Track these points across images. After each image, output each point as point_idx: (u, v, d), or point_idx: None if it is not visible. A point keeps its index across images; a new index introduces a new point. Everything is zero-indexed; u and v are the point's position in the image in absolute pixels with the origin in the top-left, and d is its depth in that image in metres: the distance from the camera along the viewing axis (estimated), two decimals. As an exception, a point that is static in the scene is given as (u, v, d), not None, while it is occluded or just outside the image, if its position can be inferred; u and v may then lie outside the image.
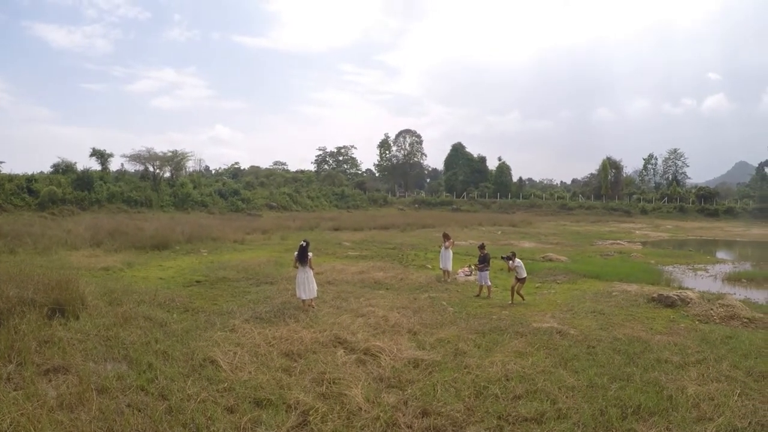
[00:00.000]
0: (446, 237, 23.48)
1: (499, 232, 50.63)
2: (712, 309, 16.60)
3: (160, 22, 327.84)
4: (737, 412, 8.65)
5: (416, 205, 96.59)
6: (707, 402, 9.06)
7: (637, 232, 59.07)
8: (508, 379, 10.03)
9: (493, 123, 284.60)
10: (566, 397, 9.21)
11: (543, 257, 30.79)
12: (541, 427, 8.06)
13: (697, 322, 15.48)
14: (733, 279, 26.01)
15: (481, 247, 20.38)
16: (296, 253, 16.15)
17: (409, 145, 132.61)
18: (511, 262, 18.44)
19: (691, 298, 17.78)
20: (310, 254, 16.07)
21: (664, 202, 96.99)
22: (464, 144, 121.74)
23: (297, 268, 16.02)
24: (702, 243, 49.68)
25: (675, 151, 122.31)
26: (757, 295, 21.17)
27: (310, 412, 8.24)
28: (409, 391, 9.39)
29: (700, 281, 25.37)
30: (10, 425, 6.74)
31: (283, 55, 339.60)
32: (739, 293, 21.09)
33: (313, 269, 16.24)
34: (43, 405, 7.65)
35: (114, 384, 8.89)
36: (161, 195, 63.50)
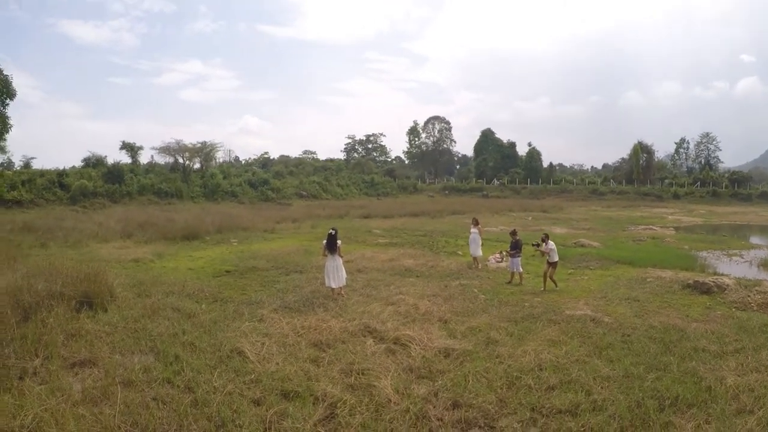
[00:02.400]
0: (475, 222, 23.26)
1: (530, 218, 50.13)
2: (749, 296, 16.22)
3: (185, 14, 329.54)
4: (780, 404, 8.30)
5: (446, 192, 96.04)
6: (747, 393, 8.75)
7: (669, 217, 57.98)
8: (541, 369, 9.83)
9: (521, 109, 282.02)
10: (601, 387, 8.97)
11: (575, 243, 30.39)
12: (575, 419, 7.85)
13: (734, 310, 15.08)
14: None
15: (513, 233, 20.11)
16: (325, 241, 16.04)
17: (438, 131, 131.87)
18: (544, 244, 18.19)
19: (727, 285, 17.33)
20: (339, 242, 15.94)
21: (697, 186, 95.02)
22: (493, 130, 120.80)
23: (326, 256, 15.91)
24: (736, 228, 48.53)
25: (707, 135, 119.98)
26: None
27: (338, 405, 8.10)
28: (440, 382, 9.21)
29: (735, 267, 24.72)
30: (33, 420, 6.63)
31: (309, 44, 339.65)
32: (776, 280, 20.37)
33: (342, 257, 16.12)
34: (67, 399, 7.58)
35: (140, 377, 8.85)
36: (191, 186, 63.72)
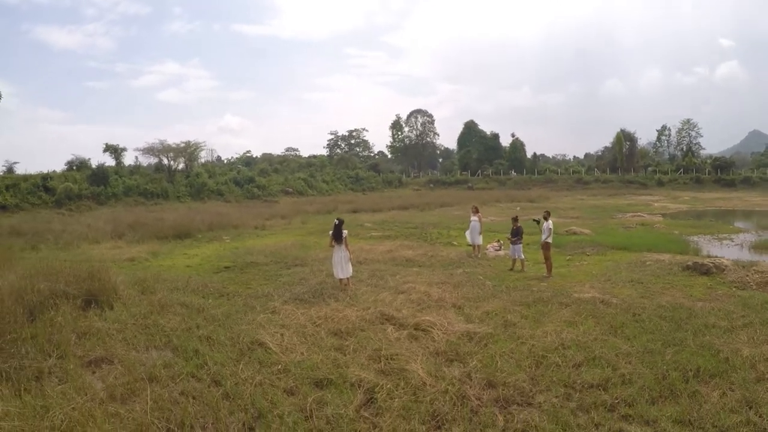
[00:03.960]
0: (475, 210, 23.36)
1: (518, 208, 50.19)
2: (747, 275, 16.52)
3: (160, 16, 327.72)
4: (795, 369, 8.60)
5: (431, 185, 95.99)
6: (763, 363, 9.15)
7: (655, 204, 58.53)
8: (565, 348, 10.06)
9: (503, 100, 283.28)
10: (625, 363, 9.26)
11: (567, 231, 30.49)
12: (608, 392, 8.12)
13: (734, 289, 15.44)
14: (760, 247, 25.89)
15: (515, 219, 20.26)
16: (331, 232, 15.98)
17: (421, 125, 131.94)
18: (546, 222, 18.41)
19: (725, 266, 17.71)
20: (345, 232, 15.85)
21: (680, 173, 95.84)
22: (476, 122, 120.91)
23: (333, 247, 15.85)
24: (722, 213, 49.30)
25: (688, 121, 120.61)
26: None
27: (376, 389, 8.14)
28: (472, 363, 9.31)
29: (727, 250, 25.24)
30: (63, 421, 6.42)
31: (286, 42, 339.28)
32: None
33: (349, 248, 16.05)
34: (93, 398, 7.37)
35: (162, 372, 8.71)
36: (177, 186, 63.34)
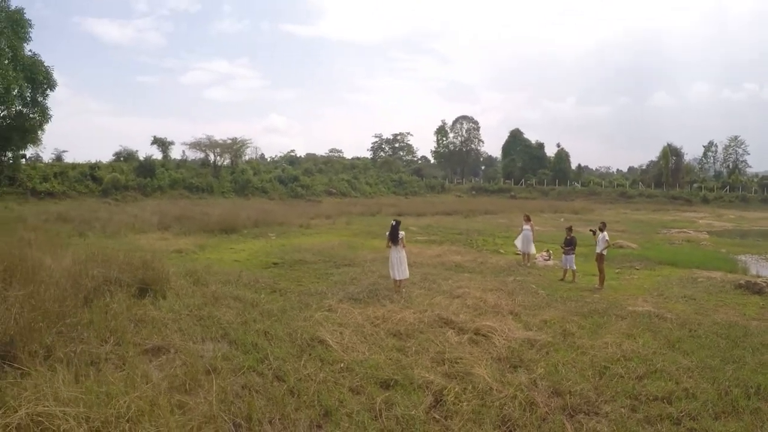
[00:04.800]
0: (527, 219, 23.19)
1: (562, 219, 49.65)
2: None
3: (209, 13, 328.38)
4: None
5: (473, 192, 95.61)
6: None
7: (700, 221, 57.49)
8: (626, 360, 10.04)
9: (548, 109, 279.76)
10: (687, 377, 9.26)
11: (614, 244, 29.97)
12: (672, 406, 8.16)
13: None
14: None
15: (569, 229, 20.15)
16: (388, 233, 15.96)
17: (466, 131, 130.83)
18: (602, 233, 18.31)
19: None
20: (401, 233, 15.80)
21: (726, 191, 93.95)
22: (521, 130, 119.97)
23: (389, 247, 15.79)
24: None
25: (736, 138, 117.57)
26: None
27: (444, 392, 8.14)
28: (536, 371, 9.32)
29: None
30: (128, 409, 6.32)
31: (333, 43, 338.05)
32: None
33: (405, 248, 15.98)
34: (155, 387, 7.22)
35: (222, 365, 8.64)
36: (222, 181, 63.99)
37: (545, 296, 15.78)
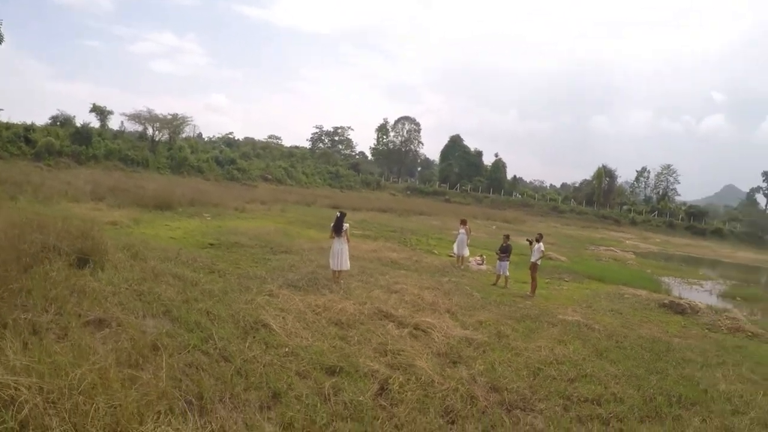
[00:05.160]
0: (464, 222, 23.71)
1: (494, 227, 50.63)
2: (719, 320, 17.44)
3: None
4: (765, 409, 9.59)
5: (408, 192, 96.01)
6: (738, 398, 10.00)
7: (627, 241, 59.89)
8: (559, 363, 10.60)
9: (488, 119, 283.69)
10: (614, 383, 9.90)
11: (546, 255, 30.83)
12: (601, 407, 8.77)
13: (706, 330, 16.47)
14: (727, 296, 27.17)
15: (506, 237, 20.69)
16: (332, 224, 16.07)
17: (407, 132, 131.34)
18: (538, 244, 18.99)
19: (700, 308, 18.66)
20: (346, 225, 15.95)
21: (654, 215, 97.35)
22: (461, 137, 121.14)
23: (333, 238, 15.90)
24: (692, 260, 50.87)
25: (668, 167, 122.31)
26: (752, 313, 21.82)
27: (389, 381, 8.38)
28: (475, 367, 9.69)
29: (696, 295, 25.97)
30: (80, 381, 6.24)
31: (284, 30, 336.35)
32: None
33: (349, 241, 16.17)
34: (103, 359, 7.05)
35: (167, 341, 8.45)
36: (158, 157, 62.50)
37: (480, 299, 16.19)
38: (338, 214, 16.13)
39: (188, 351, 8.33)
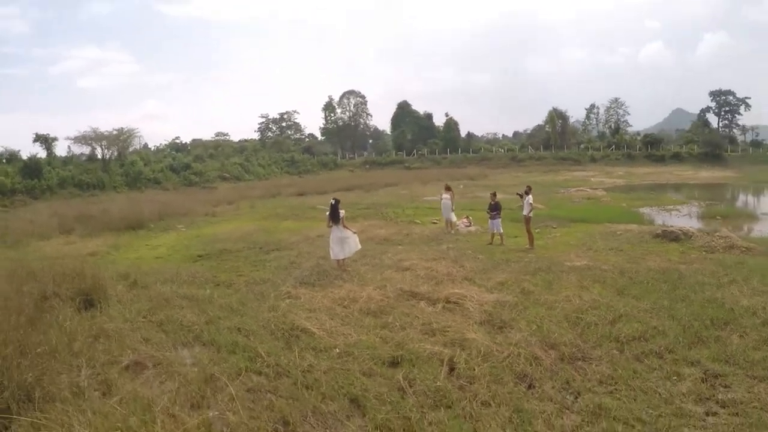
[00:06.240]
0: (447, 188, 23.87)
1: (461, 186, 50.50)
2: (713, 241, 17.92)
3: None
4: (789, 316, 10.12)
5: (367, 166, 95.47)
6: (762, 310, 10.46)
7: (592, 179, 60.61)
8: (593, 309, 10.84)
9: (430, 79, 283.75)
10: (650, 318, 10.25)
11: (519, 206, 30.87)
12: (649, 343, 9.09)
13: (704, 253, 16.89)
14: (707, 217, 28.14)
15: (493, 194, 20.72)
16: (327, 212, 16.01)
17: (354, 106, 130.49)
18: (528, 196, 19.28)
19: (692, 233, 19.06)
20: (342, 212, 15.79)
21: (612, 149, 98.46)
22: (409, 102, 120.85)
23: (330, 227, 15.76)
24: (659, 186, 52.04)
25: (616, 100, 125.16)
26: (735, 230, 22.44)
27: (454, 360, 8.37)
28: (523, 329, 9.84)
29: (678, 220, 26.86)
30: None
31: (207, 23, 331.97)
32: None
33: (346, 227, 15.92)
34: (169, 406, 6.65)
35: (215, 370, 8.10)
36: (112, 175, 61.06)
37: (486, 260, 16.29)
38: (332, 201, 15.98)
39: (243, 375, 8.03)
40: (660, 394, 7.35)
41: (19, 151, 61.52)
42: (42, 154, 63.13)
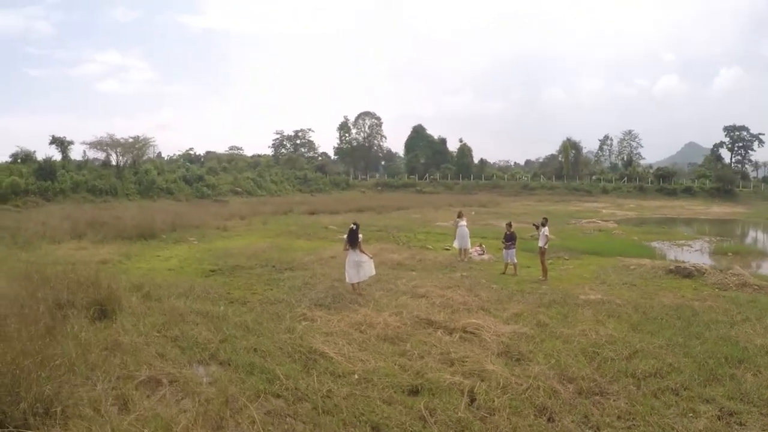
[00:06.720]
0: (461, 215, 23.81)
1: (473, 213, 50.41)
2: (726, 278, 17.86)
3: (101, 1, 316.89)
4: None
5: (379, 188, 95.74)
6: None
7: (603, 210, 60.51)
8: (609, 344, 10.87)
9: (444, 104, 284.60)
10: (665, 354, 10.31)
11: (531, 236, 30.75)
12: (666, 379, 9.11)
13: (717, 290, 16.85)
14: (719, 253, 27.78)
15: (509, 225, 20.84)
16: (345, 236, 16.07)
17: (369, 127, 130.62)
18: (544, 228, 19.18)
19: (705, 270, 19.00)
20: (360, 236, 15.87)
21: (624, 181, 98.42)
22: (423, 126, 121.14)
23: (347, 251, 15.80)
24: (668, 220, 52.02)
25: (630, 132, 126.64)
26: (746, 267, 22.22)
27: (474, 391, 8.41)
28: (541, 361, 9.86)
29: (690, 255, 26.72)
30: None
31: (229, 35, 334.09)
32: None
33: (363, 252, 15.91)
34: (191, 426, 6.74)
35: (234, 391, 8.14)
36: (125, 183, 61.27)
37: (500, 290, 16.31)
38: (353, 226, 16.09)
39: (262, 397, 8.04)
40: (677, 430, 7.40)
41: (34, 152, 61.89)
42: (57, 156, 63.57)
